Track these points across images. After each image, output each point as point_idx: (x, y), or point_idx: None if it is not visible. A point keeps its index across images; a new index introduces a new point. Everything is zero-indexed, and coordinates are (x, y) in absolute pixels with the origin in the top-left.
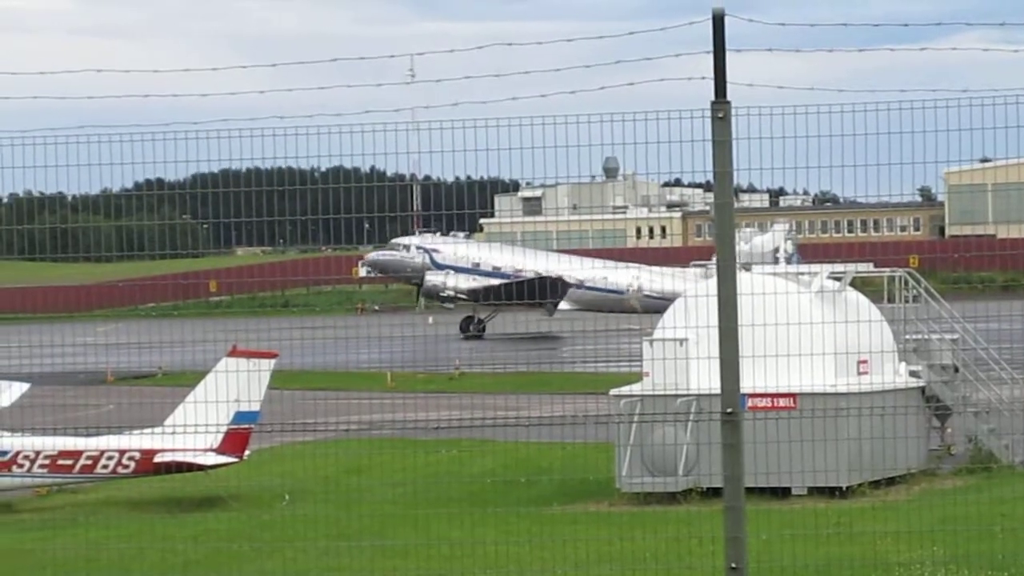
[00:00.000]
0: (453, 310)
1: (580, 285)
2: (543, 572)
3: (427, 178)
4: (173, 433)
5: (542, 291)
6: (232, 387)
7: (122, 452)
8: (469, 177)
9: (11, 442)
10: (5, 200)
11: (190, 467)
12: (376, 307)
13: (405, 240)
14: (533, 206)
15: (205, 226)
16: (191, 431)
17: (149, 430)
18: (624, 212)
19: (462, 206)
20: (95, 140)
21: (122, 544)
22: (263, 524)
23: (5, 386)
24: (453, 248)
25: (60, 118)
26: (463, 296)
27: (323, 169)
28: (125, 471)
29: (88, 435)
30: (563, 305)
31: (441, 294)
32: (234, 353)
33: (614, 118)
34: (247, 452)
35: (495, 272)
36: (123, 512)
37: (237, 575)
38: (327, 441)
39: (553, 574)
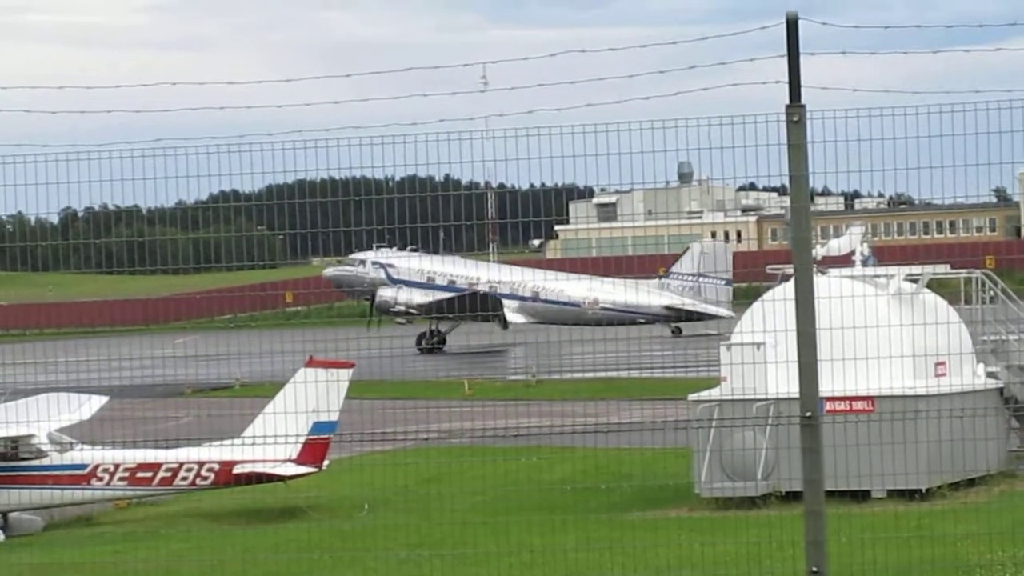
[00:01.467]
0: (406, 325)
1: (536, 298)
2: None
3: (501, 186)
4: (252, 444)
5: (475, 306)
6: (310, 397)
7: (201, 464)
8: (543, 184)
9: (90, 455)
10: (82, 214)
11: (269, 478)
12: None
13: (361, 255)
14: (608, 212)
15: (280, 237)
16: (270, 442)
17: (228, 441)
18: (699, 217)
19: (537, 213)
20: (171, 153)
21: (202, 556)
22: (342, 534)
23: (84, 399)
24: (408, 262)
25: (136, 132)
26: (414, 311)
27: (397, 178)
28: (204, 483)
29: (167, 447)
30: (519, 318)
31: (392, 309)
32: (312, 363)
33: (688, 123)
34: (326, 462)
35: (449, 286)
36: (203, 524)
37: None
38: (406, 450)
39: None
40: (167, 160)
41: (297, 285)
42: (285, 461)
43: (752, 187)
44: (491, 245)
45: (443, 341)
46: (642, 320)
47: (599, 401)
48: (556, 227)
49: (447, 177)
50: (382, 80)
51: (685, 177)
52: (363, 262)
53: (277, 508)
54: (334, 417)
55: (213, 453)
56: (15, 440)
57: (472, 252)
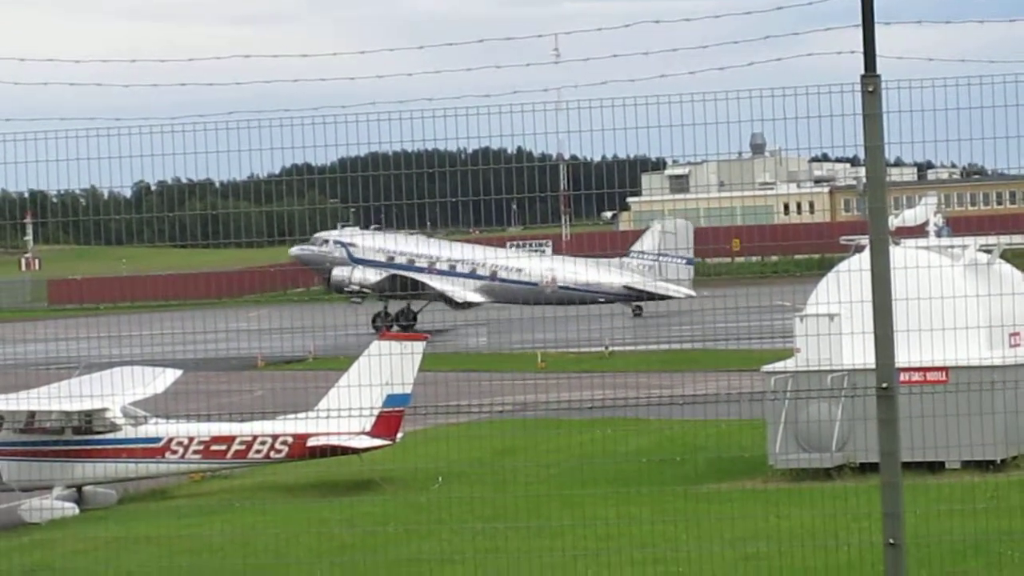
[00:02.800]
0: (361, 304)
1: (494, 277)
2: (697, 550)
3: (573, 158)
4: (326, 417)
5: (394, 288)
6: (384, 370)
7: (275, 437)
8: (615, 155)
9: (164, 429)
10: (155, 187)
11: (343, 451)
12: None
13: (324, 235)
14: (680, 184)
15: (353, 210)
16: (344, 415)
17: (301, 414)
18: (772, 188)
19: (609, 185)
20: (244, 126)
21: (277, 528)
22: (417, 506)
23: (158, 373)
24: (368, 241)
25: (209, 105)
26: (368, 290)
27: (470, 151)
28: (278, 456)
29: (241, 420)
30: (478, 297)
31: (345, 288)
32: (385, 336)
33: (762, 94)
34: (399, 435)
35: (408, 265)
36: (277, 497)
37: (392, 558)
38: (479, 423)
39: (709, 552)
40: (239, 133)
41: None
42: (359, 434)
43: (825, 158)
44: (563, 217)
45: (414, 319)
46: (602, 299)
47: (672, 373)
48: (628, 199)
49: (519, 149)
50: (455, 52)
51: (758, 148)
52: (326, 241)
53: (351, 481)
54: (408, 389)
55: (287, 426)
56: (89, 414)
57: (541, 225)
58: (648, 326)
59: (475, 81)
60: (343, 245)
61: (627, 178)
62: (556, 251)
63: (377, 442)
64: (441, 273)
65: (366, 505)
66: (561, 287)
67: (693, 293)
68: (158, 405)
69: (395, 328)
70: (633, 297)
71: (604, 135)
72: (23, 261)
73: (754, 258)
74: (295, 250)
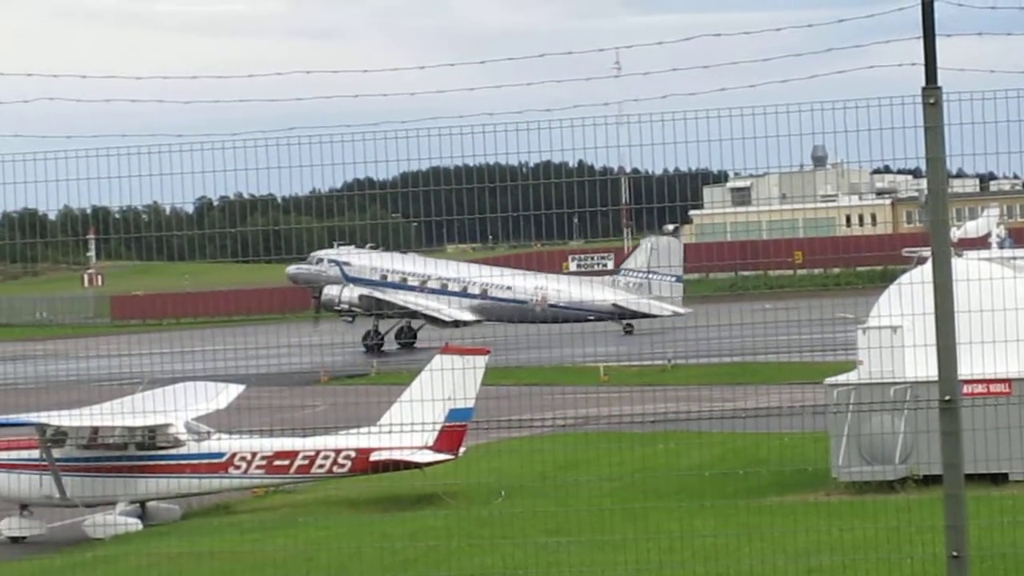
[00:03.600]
0: (352, 322)
1: (485, 295)
2: (760, 563)
3: (635, 171)
4: (388, 432)
5: (387, 307)
6: (446, 385)
7: (338, 452)
8: (677, 169)
9: (228, 444)
10: (217, 203)
11: (406, 465)
12: None
13: (320, 253)
14: (742, 196)
15: (415, 224)
16: (407, 429)
17: (364, 429)
18: (833, 200)
19: (671, 198)
20: (305, 142)
21: (339, 543)
22: (480, 520)
23: (221, 388)
24: (363, 260)
25: (271, 121)
26: (357, 309)
27: (531, 164)
28: (341, 470)
29: (303, 435)
30: (468, 316)
31: (335, 307)
32: (447, 351)
33: (823, 106)
34: (462, 449)
35: (401, 284)
36: (340, 511)
37: (455, 572)
38: (541, 436)
39: (772, 565)
40: (301, 149)
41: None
42: (421, 448)
43: (887, 169)
44: (625, 231)
45: (415, 336)
46: (591, 317)
47: (734, 386)
48: (690, 212)
49: (581, 163)
50: (516, 66)
51: (819, 160)
52: (321, 260)
53: (414, 495)
54: (470, 404)
55: (350, 441)
56: (153, 429)
57: (602, 238)
58: (711, 339)
59: (536, 95)
60: (337, 264)
61: (689, 191)
62: (618, 264)
63: (440, 456)
64: (433, 291)
65: (429, 519)
66: (551, 305)
67: (682, 311)
68: (221, 420)
69: (394, 345)
70: (623, 315)
71: (665, 148)
72: (86, 277)
73: (816, 270)
74: (291, 269)
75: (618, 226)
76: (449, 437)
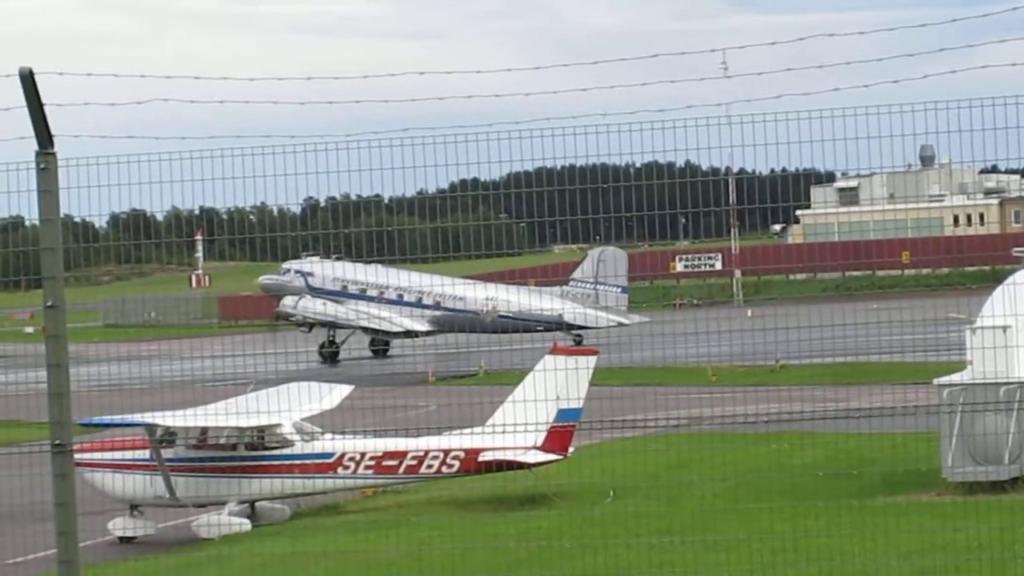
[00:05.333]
0: (309, 332)
1: (438, 306)
2: (871, 564)
3: (742, 171)
4: (497, 432)
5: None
6: (554, 385)
7: (446, 452)
8: (784, 169)
9: (337, 444)
10: (324, 203)
11: (514, 465)
12: (695, 301)
13: (288, 264)
14: (849, 196)
15: (522, 225)
16: (515, 429)
17: (473, 429)
18: (941, 200)
19: (778, 198)
20: (419, 142)
21: (449, 543)
22: (588, 521)
23: (330, 388)
24: (326, 271)
25: (384, 122)
26: (310, 320)
27: (638, 165)
28: (450, 471)
29: (412, 435)
30: (422, 326)
31: (291, 318)
32: (556, 351)
33: (933, 106)
34: (570, 449)
35: (360, 295)
36: (449, 511)
37: (565, 572)
38: (651, 437)
39: (883, 565)
40: (409, 149)
41: (539, 272)
42: (530, 448)
43: (994, 169)
44: (732, 231)
45: (387, 344)
46: (540, 328)
47: (843, 386)
48: (798, 212)
49: (688, 163)
50: (628, 67)
51: (927, 160)
52: (288, 271)
53: (523, 496)
54: (579, 404)
55: (459, 441)
56: (262, 429)
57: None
58: (824, 339)
59: (649, 96)
60: (302, 274)
61: (795, 191)
62: (726, 264)
63: (549, 457)
64: (390, 302)
65: (539, 520)
66: (501, 316)
67: (627, 321)
68: (330, 420)
69: (367, 353)
70: (571, 326)
71: (773, 149)
72: (193, 278)
73: (924, 270)
74: (262, 279)
75: (726, 226)
76: (558, 437)
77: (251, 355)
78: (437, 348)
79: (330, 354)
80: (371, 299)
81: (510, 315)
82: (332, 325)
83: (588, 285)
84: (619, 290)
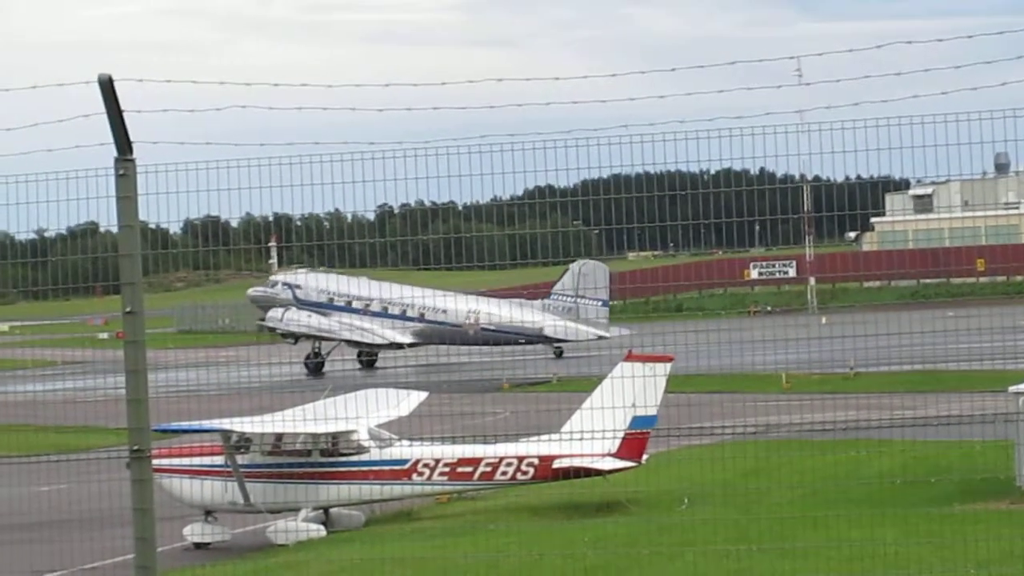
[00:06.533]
0: (295, 344)
1: (422, 318)
2: (945, 572)
3: (816, 178)
4: (572, 439)
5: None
6: (629, 392)
7: (521, 459)
8: (859, 176)
9: (411, 450)
10: (398, 210)
11: (588, 472)
12: (769, 308)
13: (276, 277)
14: (924, 204)
15: (596, 231)
16: (589, 436)
17: (547, 436)
18: (1016, 207)
19: (852, 206)
20: (497, 149)
21: (523, 550)
22: (663, 528)
23: (404, 395)
24: (312, 283)
25: (461, 129)
26: (294, 332)
27: (711, 172)
28: (524, 477)
29: (486, 442)
30: (405, 338)
31: (276, 331)
32: (630, 358)
33: (1006, 114)
34: (645, 456)
35: (346, 307)
36: (523, 518)
37: None
38: (724, 444)
39: (959, 574)
40: (485, 157)
41: (613, 279)
42: (604, 455)
43: None
44: (806, 238)
45: (375, 355)
46: (522, 340)
47: (917, 394)
48: (872, 219)
49: (762, 170)
50: (705, 74)
51: (1002, 168)
52: (276, 283)
53: (597, 502)
54: (653, 411)
55: (532, 448)
56: (336, 436)
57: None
58: (898, 346)
59: (726, 103)
60: (289, 287)
61: (871, 198)
62: (800, 272)
63: (623, 464)
64: (375, 314)
65: (612, 527)
66: (484, 328)
67: (607, 334)
68: (404, 427)
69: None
70: (552, 339)
71: (846, 156)
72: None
73: (999, 278)
74: (251, 291)
75: (800, 233)
76: (632, 444)
77: (331, 360)
78: (426, 359)
79: (315, 365)
80: (356, 311)
81: (492, 327)
82: (317, 337)
83: (569, 298)
84: (600, 303)
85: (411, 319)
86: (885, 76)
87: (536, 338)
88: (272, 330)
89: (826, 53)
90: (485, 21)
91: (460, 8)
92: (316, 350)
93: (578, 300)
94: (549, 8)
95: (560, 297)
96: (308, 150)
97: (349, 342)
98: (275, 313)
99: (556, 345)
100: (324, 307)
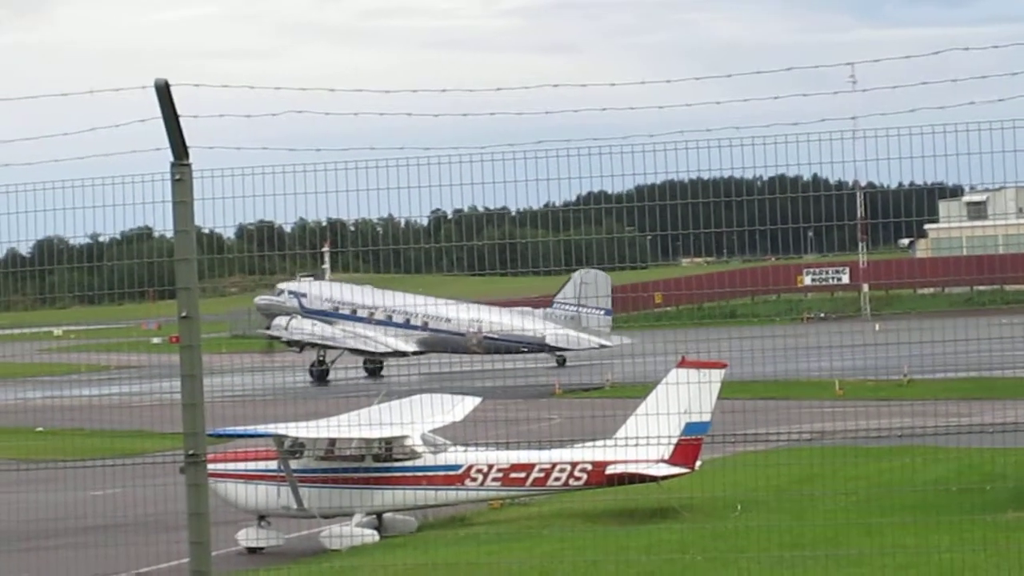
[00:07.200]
0: (301, 352)
1: (425, 327)
2: None
3: (870, 185)
4: (625, 445)
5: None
6: (682, 398)
7: (574, 464)
8: (912, 183)
9: (464, 456)
10: (451, 216)
11: (642, 478)
12: (822, 315)
13: (283, 285)
14: (978, 210)
15: (649, 238)
16: (642, 443)
17: (600, 442)
18: None
19: (906, 212)
20: (552, 155)
21: (576, 556)
22: (715, 534)
23: (457, 400)
24: (318, 291)
25: (517, 135)
26: (299, 340)
27: (765, 178)
28: (577, 483)
29: (539, 448)
30: (408, 346)
31: (282, 339)
32: (684, 364)
33: None
34: (698, 463)
35: (351, 316)
36: (576, 524)
37: None
38: (777, 450)
39: None
40: (542, 162)
41: (666, 286)
42: (658, 462)
43: None
44: (860, 244)
45: (381, 363)
46: (525, 349)
47: (971, 401)
48: (926, 226)
49: (815, 176)
50: (762, 80)
51: None
52: (282, 291)
53: (650, 509)
54: (707, 418)
55: (585, 454)
56: (390, 441)
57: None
58: (952, 353)
59: (782, 109)
60: (295, 295)
61: (925, 205)
62: (854, 278)
63: (676, 470)
64: (379, 323)
65: (665, 533)
66: (487, 337)
67: (608, 343)
68: (457, 433)
69: (362, 373)
70: (554, 347)
71: (900, 162)
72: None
73: None
74: (259, 300)
75: (853, 240)
76: (685, 450)
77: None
78: (430, 367)
79: (320, 373)
80: (361, 320)
81: (494, 336)
82: (321, 346)
83: (571, 307)
84: (602, 312)
85: (415, 327)
86: (942, 83)
87: (538, 347)
88: (277, 339)
89: (882, 59)
90: (543, 27)
91: (518, 14)
92: (321, 358)
93: (580, 309)
94: (608, 13)
95: (562, 306)
96: (363, 155)
97: (353, 350)
98: (280, 321)
99: (558, 354)
100: (329, 315)
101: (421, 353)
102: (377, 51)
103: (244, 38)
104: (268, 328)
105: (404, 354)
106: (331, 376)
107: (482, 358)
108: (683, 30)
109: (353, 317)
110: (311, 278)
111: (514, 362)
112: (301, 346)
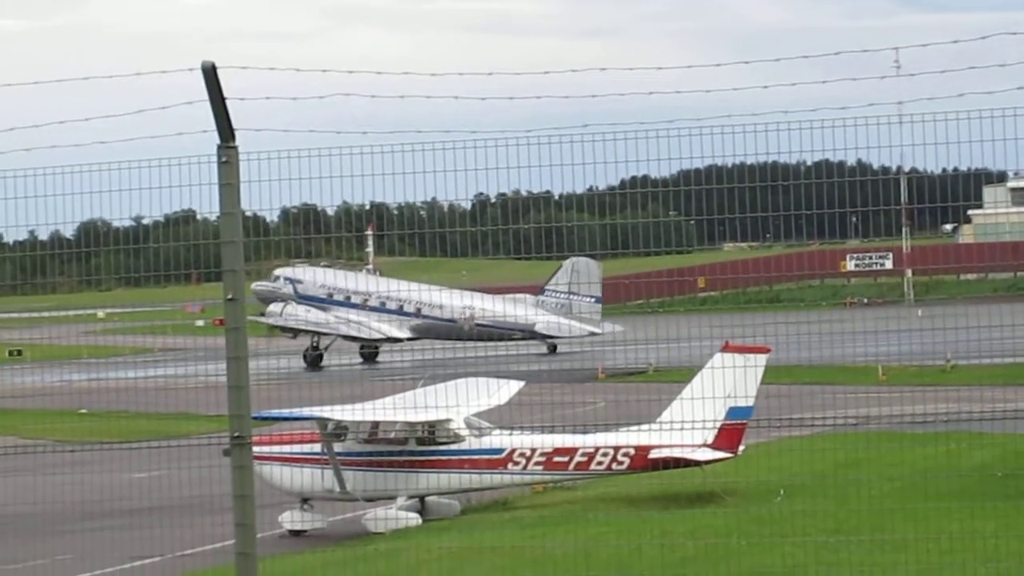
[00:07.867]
0: (295, 338)
1: (418, 314)
2: None
3: (914, 170)
4: (667, 429)
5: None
6: (726, 383)
7: (616, 449)
8: (956, 168)
9: (507, 440)
10: (494, 199)
11: (685, 463)
12: (865, 300)
13: (279, 271)
14: (1022, 196)
15: (692, 222)
16: (686, 427)
17: (643, 426)
18: None
19: (951, 198)
20: (599, 139)
21: (619, 540)
22: (758, 519)
23: (501, 384)
24: (313, 277)
25: (563, 118)
26: (295, 327)
27: (808, 163)
28: (620, 467)
29: (582, 432)
30: (401, 333)
31: (276, 325)
32: (727, 349)
33: None
34: (741, 447)
35: (345, 302)
36: (619, 508)
37: (734, 570)
38: (821, 435)
39: None
40: (587, 146)
41: (709, 271)
42: (701, 446)
43: None
44: (904, 230)
45: (376, 349)
46: (518, 336)
47: (1015, 386)
48: (970, 212)
49: (859, 162)
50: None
51: None
52: (278, 278)
53: (693, 493)
54: (750, 402)
55: (629, 438)
56: (433, 424)
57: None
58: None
59: (829, 93)
60: (291, 281)
61: (969, 191)
62: (897, 264)
63: (719, 455)
64: (373, 309)
65: (708, 517)
66: (479, 324)
67: (598, 331)
68: (501, 416)
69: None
70: (544, 335)
71: (945, 148)
72: (364, 272)
73: None
74: (255, 286)
75: (897, 225)
76: (729, 435)
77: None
78: (423, 353)
79: (313, 359)
80: (355, 306)
81: (486, 323)
82: (315, 332)
83: (562, 295)
84: (592, 299)
85: (408, 314)
86: (990, 67)
87: (529, 334)
88: (272, 326)
89: (930, 44)
90: (587, 12)
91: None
92: (315, 344)
93: (571, 297)
94: (652, 0)
95: (553, 293)
96: (410, 139)
97: (346, 336)
98: (275, 308)
99: (549, 341)
100: (323, 302)
101: (414, 339)
102: (424, 35)
103: (291, 21)
104: (263, 315)
105: (397, 340)
106: (324, 362)
107: (475, 344)
108: (725, 15)
109: (347, 304)
110: (305, 264)
111: (506, 349)
112: (295, 332)
